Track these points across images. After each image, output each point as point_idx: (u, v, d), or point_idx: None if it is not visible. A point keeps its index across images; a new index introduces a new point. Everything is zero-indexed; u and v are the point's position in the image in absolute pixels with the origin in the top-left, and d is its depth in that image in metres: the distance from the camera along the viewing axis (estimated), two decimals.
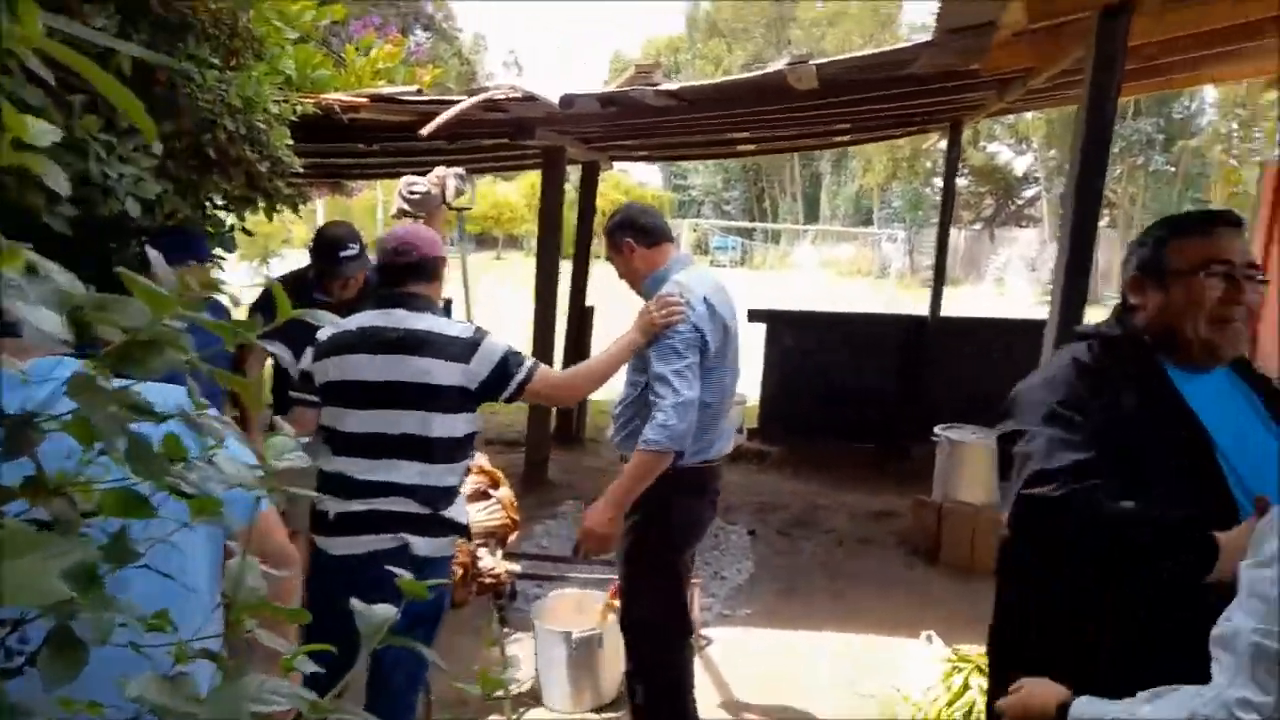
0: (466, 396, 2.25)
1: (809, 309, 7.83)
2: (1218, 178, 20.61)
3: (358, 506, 2.21)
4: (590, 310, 7.11)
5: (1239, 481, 1.54)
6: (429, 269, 2.34)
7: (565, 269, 6.79)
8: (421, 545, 2.24)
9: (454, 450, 2.29)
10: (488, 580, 3.33)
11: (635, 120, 4.68)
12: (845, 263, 30.02)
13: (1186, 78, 5.93)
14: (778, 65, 3.49)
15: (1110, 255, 24.41)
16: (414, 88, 3.83)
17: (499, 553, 3.44)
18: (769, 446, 6.90)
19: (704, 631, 3.92)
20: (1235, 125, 19.76)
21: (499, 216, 28.29)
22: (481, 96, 3.66)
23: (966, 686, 3.27)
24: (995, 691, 1.82)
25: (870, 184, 31.51)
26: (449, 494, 2.32)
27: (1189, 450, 1.54)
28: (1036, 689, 1.31)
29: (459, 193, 3.49)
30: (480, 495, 3.50)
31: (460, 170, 3.47)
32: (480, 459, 3.56)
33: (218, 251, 3.42)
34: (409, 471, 2.22)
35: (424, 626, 2.29)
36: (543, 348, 6.00)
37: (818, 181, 35.43)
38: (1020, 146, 30.38)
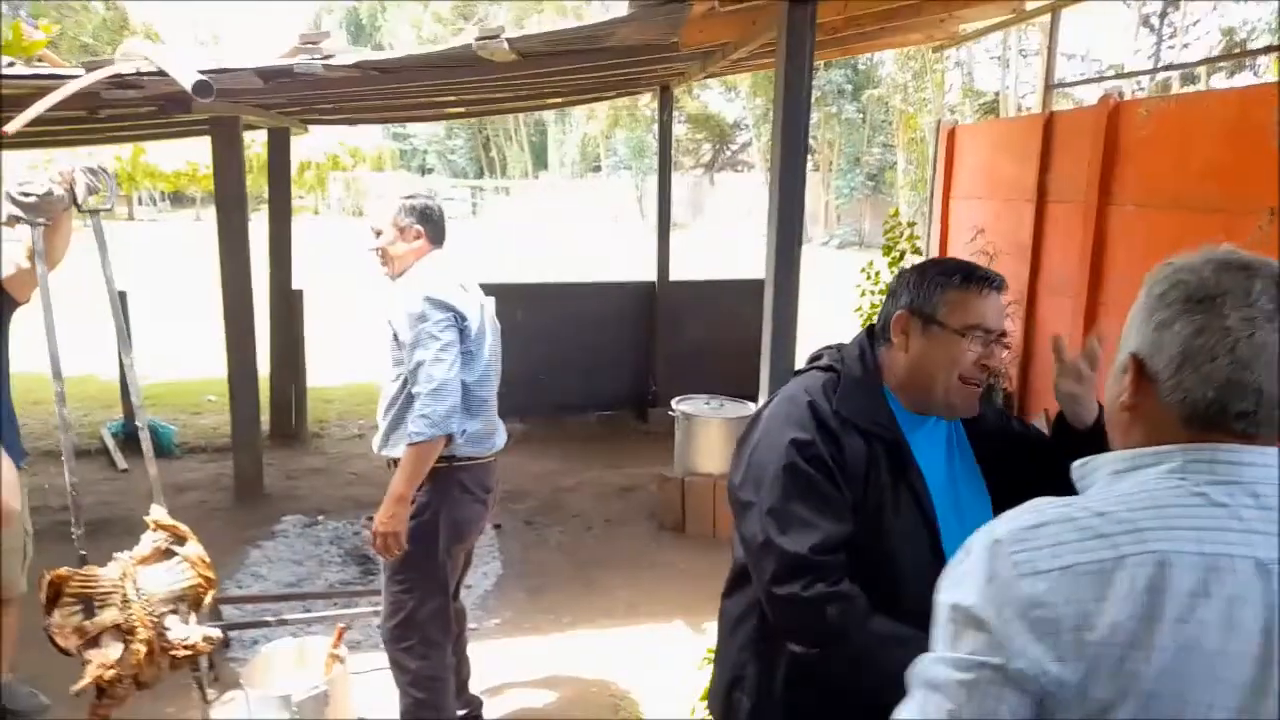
0: None
1: (538, 281, 7.59)
2: (899, 124, 22.89)
3: None
4: (299, 295, 6.38)
5: (946, 529, 1.53)
6: None
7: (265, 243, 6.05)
8: None
9: None
10: (181, 653, 2.83)
11: (322, 90, 4.10)
12: (577, 210, 30.19)
13: (866, 45, 6.29)
14: (467, 39, 3.15)
15: (813, 198, 26.52)
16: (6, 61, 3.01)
17: (192, 618, 2.93)
18: (512, 424, 6.63)
19: None
20: (910, 76, 21.93)
21: (193, 173, 25.22)
22: (101, 74, 2.94)
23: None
24: None
25: (595, 132, 31.73)
26: None
27: (915, 513, 1.51)
28: None
29: (92, 190, 2.81)
30: (162, 554, 2.96)
31: (93, 165, 2.80)
32: (158, 512, 3.00)
33: None
34: None
35: None
36: (239, 345, 5.27)
37: (543, 129, 35.14)
38: (730, 95, 31.92)
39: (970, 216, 6.53)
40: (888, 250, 7.00)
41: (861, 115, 25.46)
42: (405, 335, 2.56)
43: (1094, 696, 0.86)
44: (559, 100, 7.01)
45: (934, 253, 7.00)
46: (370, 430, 4.37)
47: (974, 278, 1.53)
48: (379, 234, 2.73)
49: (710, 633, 3.57)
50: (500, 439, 2.92)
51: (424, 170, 37.93)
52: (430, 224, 2.72)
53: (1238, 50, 18.08)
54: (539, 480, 5.63)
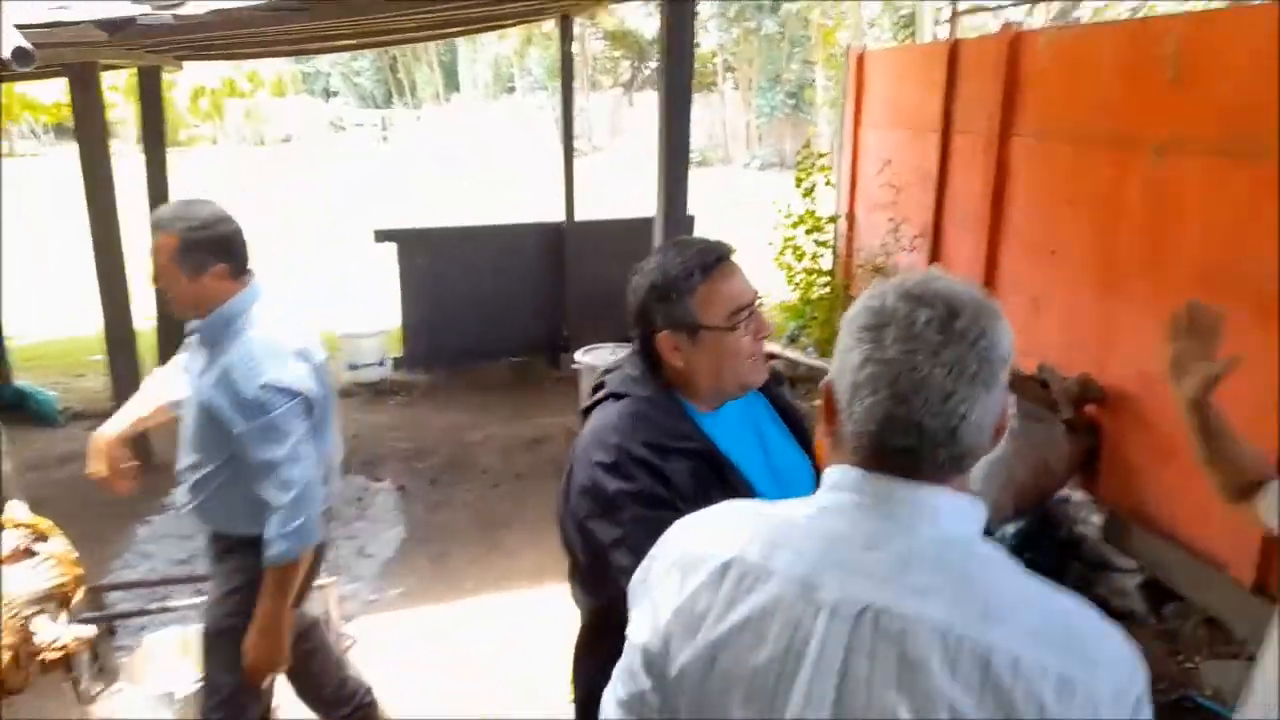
0: None
1: (442, 225, 7.28)
2: (818, 40, 22.59)
3: None
4: None
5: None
6: None
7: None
8: None
9: None
10: (52, 655, 2.69)
11: (184, 35, 3.75)
12: (493, 134, 29.27)
13: None
14: None
15: (734, 117, 26.19)
16: None
17: (63, 617, 2.78)
18: (416, 375, 6.48)
19: (347, 629, 3.55)
20: None
21: None
22: None
23: None
24: None
25: (508, 51, 30.58)
26: None
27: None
28: None
29: None
30: (24, 554, 2.79)
31: None
32: (17, 508, 2.81)
33: None
34: None
35: None
36: (113, 301, 4.92)
37: (453, 49, 33.72)
38: (649, 10, 30.97)
39: (880, 146, 6.46)
40: (799, 182, 6.91)
41: (781, 31, 25.02)
42: (237, 424, 2.09)
43: (669, 673, 0.93)
44: (456, 30, 6.63)
45: (845, 185, 6.94)
46: None
47: (708, 265, 1.50)
48: (161, 271, 2.14)
49: None
50: (334, 488, 2.51)
51: (329, 94, 36.18)
52: (231, 254, 2.16)
53: None
54: (445, 435, 5.50)
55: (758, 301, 1.54)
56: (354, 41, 6.70)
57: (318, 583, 3.44)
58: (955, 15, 5.83)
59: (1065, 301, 4.41)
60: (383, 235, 6.21)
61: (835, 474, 0.93)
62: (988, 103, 4.95)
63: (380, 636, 3.49)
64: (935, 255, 5.67)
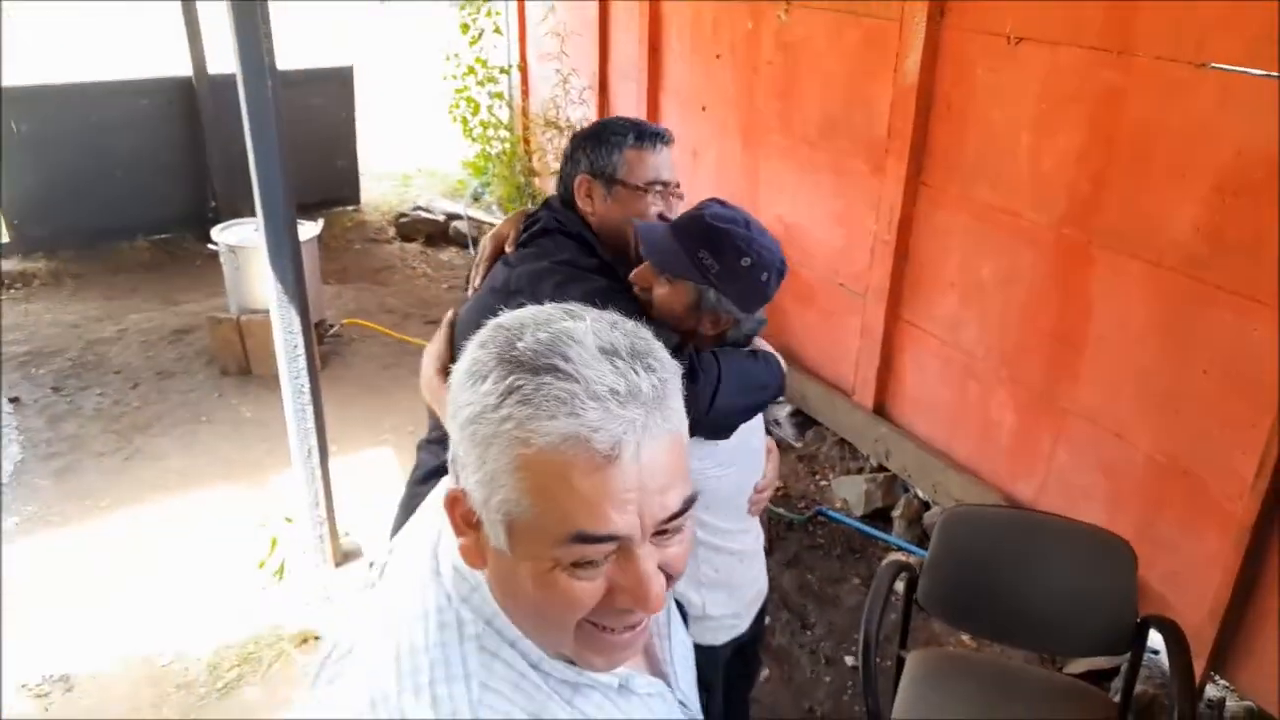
0: None
1: (35, 84, 5.98)
2: None
3: None
4: None
5: None
6: None
7: None
8: None
9: None
10: None
11: None
12: None
13: None
14: None
15: None
16: None
17: None
18: (34, 263, 5.52)
19: None
20: None
21: None
22: None
23: (275, 543, 3.11)
24: None
25: None
26: None
27: None
28: None
29: None
30: None
31: None
32: None
33: None
34: None
35: None
36: None
37: None
38: None
39: None
40: (465, 29, 6.50)
41: None
42: None
43: None
44: None
45: (516, 33, 6.63)
46: None
47: (645, 135, 1.63)
48: None
49: (278, 487, 3.36)
50: None
51: None
52: None
53: None
54: (72, 332, 4.76)
55: (677, 193, 1.65)
56: None
57: None
58: None
59: (718, 153, 4.58)
60: None
61: None
62: None
63: None
64: (602, 108, 5.63)
